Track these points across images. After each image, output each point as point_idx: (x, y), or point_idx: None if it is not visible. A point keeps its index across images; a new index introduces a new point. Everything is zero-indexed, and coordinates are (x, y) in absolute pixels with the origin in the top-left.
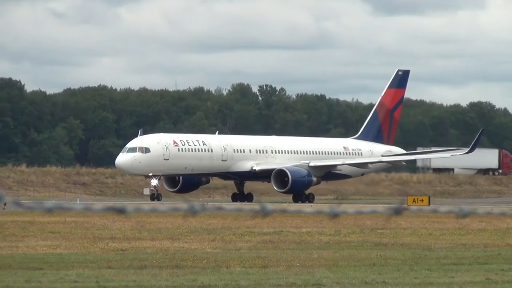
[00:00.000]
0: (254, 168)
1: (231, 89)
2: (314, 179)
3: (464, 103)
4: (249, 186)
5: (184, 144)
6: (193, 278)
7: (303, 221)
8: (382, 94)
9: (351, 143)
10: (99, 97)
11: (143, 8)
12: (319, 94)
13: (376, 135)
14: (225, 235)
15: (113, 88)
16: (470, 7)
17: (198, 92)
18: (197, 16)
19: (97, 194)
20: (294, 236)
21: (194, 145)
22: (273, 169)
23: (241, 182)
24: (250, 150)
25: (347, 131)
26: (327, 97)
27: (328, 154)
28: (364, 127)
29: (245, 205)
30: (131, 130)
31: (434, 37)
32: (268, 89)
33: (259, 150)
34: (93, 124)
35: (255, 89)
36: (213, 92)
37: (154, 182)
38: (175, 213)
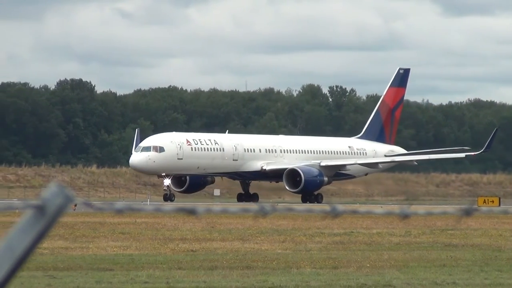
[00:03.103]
0: (264, 167)
1: (301, 90)
2: (326, 179)
3: None
4: (255, 185)
5: (197, 143)
6: (264, 279)
7: (374, 222)
8: (384, 93)
9: (356, 142)
10: (169, 98)
11: (212, 9)
12: None
13: (378, 134)
14: (295, 236)
15: (183, 89)
16: None
17: (268, 93)
18: (265, 16)
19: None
20: (364, 237)
21: (207, 144)
22: (283, 169)
23: (247, 182)
24: (260, 149)
25: (417, 132)
26: None
27: (334, 153)
28: (367, 127)
29: (315, 206)
30: (202, 131)
31: (503, 37)
32: (338, 90)
33: (269, 149)
34: (163, 125)
35: (325, 90)
36: (283, 93)
37: (167, 182)
38: (246, 214)
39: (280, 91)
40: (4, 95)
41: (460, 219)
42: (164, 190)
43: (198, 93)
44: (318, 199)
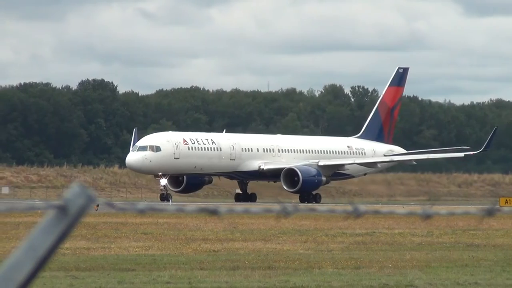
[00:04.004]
0: (262, 167)
1: (323, 90)
2: (324, 178)
3: None
4: (253, 185)
5: (194, 143)
6: (286, 279)
7: (395, 222)
8: (383, 92)
9: (355, 142)
10: (192, 98)
11: (234, 9)
12: (411, 95)
13: (378, 134)
14: (317, 236)
15: (206, 89)
16: None
17: (291, 93)
18: (287, 17)
19: (189, 196)
20: (386, 237)
21: (204, 143)
22: (281, 169)
23: (245, 182)
24: (257, 149)
25: (439, 133)
26: (420, 98)
27: (333, 153)
28: (366, 126)
29: (338, 206)
30: (224, 131)
31: None
32: (360, 90)
33: (266, 149)
34: (185, 125)
35: (347, 90)
36: (305, 93)
37: (163, 181)
38: (268, 214)
39: (302, 91)
40: (26, 95)
41: (482, 220)
42: (161, 190)
43: (220, 94)
44: (316, 199)
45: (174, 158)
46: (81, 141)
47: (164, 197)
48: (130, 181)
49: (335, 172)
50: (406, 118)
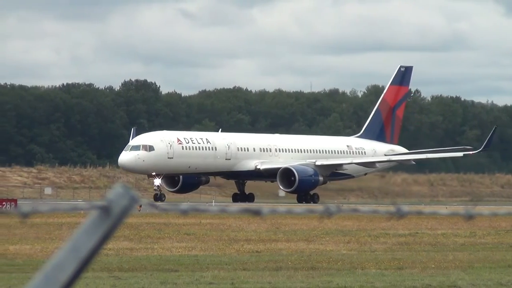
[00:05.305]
0: (258, 167)
1: (365, 91)
2: (321, 178)
3: None
4: (250, 185)
5: (188, 142)
6: (329, 279)
7: (438, 223)
8: (385, 91)
9: (354, 141)
10: (234, 98)
11: (275, 10)
12: (454, 96)
13: (378, 133)
14: (360, 236)
15: (248, 89)
16: None
17: (333, 94)
18: (329, 17)
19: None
20: (429, 237)
21: (198, 143)
22: (278, 168)
23: (242, 182)
24: (254, 148)
25: (482, 133)
26: (462, 99)
27: (332, 153)
28: (367, 125)
29: (381, 207)
30: (266, 132)
31: None
32: None
33: (263, 148)
34: (228, 125)
35: None
36: (348, 94)
37: (157, 181)
38: (310, 215)
39: (345, 92)
40: (69, 96)
41: None
42: (155, 190)
43: (263, 94)
44: (314, 199)
45: (168, 157)
46: (124, 141)
47: (158, 198)
48: None
49: (334, 172)
50: (449, 118)
